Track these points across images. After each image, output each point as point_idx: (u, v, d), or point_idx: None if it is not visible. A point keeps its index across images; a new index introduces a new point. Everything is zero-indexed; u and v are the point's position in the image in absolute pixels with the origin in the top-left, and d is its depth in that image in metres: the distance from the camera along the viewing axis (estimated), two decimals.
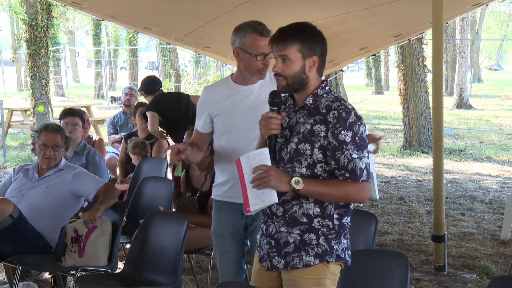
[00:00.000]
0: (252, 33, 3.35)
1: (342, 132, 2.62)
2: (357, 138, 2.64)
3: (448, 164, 10.94)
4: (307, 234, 2.71)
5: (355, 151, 2.63)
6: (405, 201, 8.38)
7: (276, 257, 2.78)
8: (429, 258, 5.86)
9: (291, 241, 2.73)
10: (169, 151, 3.31)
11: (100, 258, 4.29)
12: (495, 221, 7.32)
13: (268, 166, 2.63)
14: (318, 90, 2.75)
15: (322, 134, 2.66)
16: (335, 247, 2.73)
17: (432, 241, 5.59)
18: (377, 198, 8.50)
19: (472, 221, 7.38)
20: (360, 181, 2.64)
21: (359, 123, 2.66)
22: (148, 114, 6.45)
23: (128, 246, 5.17)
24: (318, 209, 2.71)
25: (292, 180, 2.62)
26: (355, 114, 2.67)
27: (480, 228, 7.07)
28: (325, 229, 2.71)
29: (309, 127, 2.68)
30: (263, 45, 3.31)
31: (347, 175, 2.64)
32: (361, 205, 7.99)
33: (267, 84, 3.45)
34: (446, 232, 5.50)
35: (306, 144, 2.68)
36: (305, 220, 2.71)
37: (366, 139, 2.68)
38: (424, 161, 11.43)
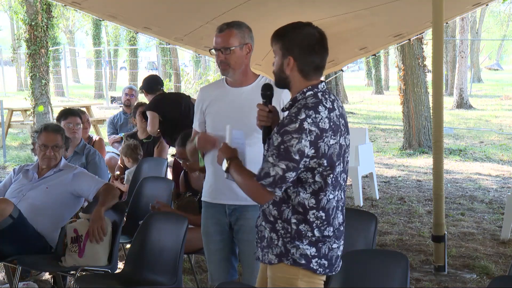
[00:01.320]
0: (215, 32, 3.50)
1: (275, 135, 2.65)
2: (282, 147, 2.61)
3: (448, 164, 10.94)
4: (272, 233, 2.78)
5: (273, 156, 2.63)
6: (405, 201, 8.38)
7: (259, 249, 2.88)
8: (429, 258, 5.86)
9: (266, 236, 2.81)
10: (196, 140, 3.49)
11: (100, 258, 4.29)
12: (495, 221, 7.32)
13: (223, 146, 2.90)
14: (297, 95, 2.74)
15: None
16: (292, 250, 2.73)
17: (432, 241, 5.59)
18: (377, 198, 8.50)
19: (472, 221, 7.38)
20: (258, 182, 2.66)
21: (296, 135, 2.59)
22: (149, 114, 6.44)
23: (128, 246, 5.16)
24: (276, 212, 2.76)
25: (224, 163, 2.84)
26: (301, 126, 2.59)
27: (480, 228, 7.07)
28: (282, 231, 2.75)
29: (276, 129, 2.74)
30: (215, 40, 3.45)
31: (256, 171, 2.71)
32: (361, 204, 8.00)
33: (259, 88, 3.47)
34: (446, 232, 5.50)
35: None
36: (271, 219, 2.78)
37: (295, 154, 2.59)
38: (424, 161, 11.43)
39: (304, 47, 2.71)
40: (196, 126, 3.64)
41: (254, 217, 3.30)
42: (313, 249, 2.73)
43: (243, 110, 3.42)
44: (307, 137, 2.60)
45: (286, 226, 2.73)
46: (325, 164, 2.66)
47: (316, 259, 2.73)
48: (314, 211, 2.71)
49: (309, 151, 2.62)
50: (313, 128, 2.61)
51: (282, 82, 2.79)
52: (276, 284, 2.77)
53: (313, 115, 2.62)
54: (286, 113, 2.78)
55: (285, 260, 2.73)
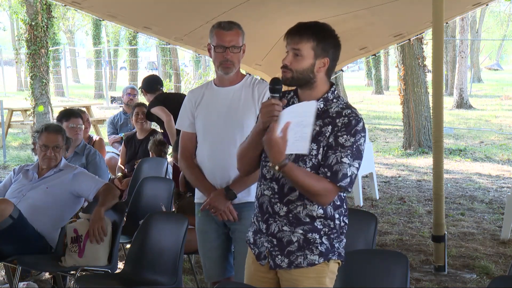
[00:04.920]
0: (216, 29, 3.50)
1: (345, 136, 2.64)
2: (354, 147, 2.64)
3: (448, 164, 10.93)
4: (310, 234, 2.73)
5: (348, 156, 2.63)
6: (405, 201, 8.38)
7: (279, 256, 2.78)
8: (429, 258, 5.86)
9: (294, 240, 2.74)
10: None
11: (100, 258, 4.29)
12: (495, 221, 7.32)
13: (270, 142, 2.57)
14: (328, 95, 2.76)
15: (327, 134, 2.68)
16: (337, 245, 2.77)
17: (432, 241, 5.59)
18: (377, 198, 8.50)
19: (472, 221, 7.38)
20: (337, 184, 2.63)
21: (363, 134, 2.68)
22: (156, 109, 6.38)
23: (128, 246, 5.17)
24: (321, 211, 2.72)
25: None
26: (363, 124, 2.69)
27: (480, 228, 7.07)
28: (327, 229, 2.74)
29: (318, 128, 2.69)
30: (223, 38, 3.45)
31: (328, 174, 2.63)
32: (361, 204, 8.00)
33: (246, 88, 3.56)
34: (446, 232, 5.50)
35: (313, 143, 2.68)
36: (308, 220, 2.73)
37: (363, 152, 2.69)
38: (424, 161, 11.43)
39: (336, 50, 2.78)
40: (184, 127, 3.66)
41: (248, 215, 3.36)
42: (344, 239, 2.82)
43: (231, 108, 3.50)
44: (366, 133, 2.72)
45: (330, 222, 2.74)
46: None
47: (343, 249, 2.82)
48: (344, 203, 2.80)
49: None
50: (365, 127, 2.73)
51: (305, 81, 2.73)
52: (303, 285, 2.75)
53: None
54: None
55: (332, 255, 2.74)
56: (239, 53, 3.50)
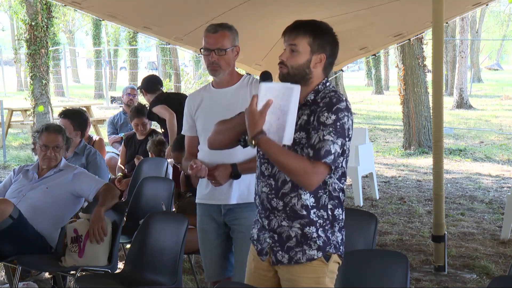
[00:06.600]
0: (205, 32, 3.53)
1: (325, 114, 2.64)
2: (338, 124, 2.63)
3: (448, 164, 10.94)
4: (307, 228, 2.73)
5: (331, 134, 2.62)
6: (405, 201, 8.38)
7: (280, 252, 2.79)
8: (429, 258, 5.86)
9: (292, 235, 2.76)
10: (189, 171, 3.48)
11: (100, 258, 4.29)
12: (495, 221, 7.32)
13: (256, 112, 2.61)
14: (319, 86, 2.79)
15: (312, 119, 2.70)
16: (331, 237, 2.76)
17: (432, 241, 5.60)
18: (377, 198, 8.50)
19: (472, 221, 7.39)
20: (321, 160, 2.60)
21: (347, 113, 2.66)
22: (158, 108, 6.37)
23: (128, 246, 5.17)
24: (313, 199, 2.73)
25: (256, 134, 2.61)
26: (347, 104, 2.68)
27: (480, 228, 7.07)
28: (321, 220, 2.74)
29: (306, 118, 2.72)
30: (208, 41, 3.49)
31: (311, 154, 2.62)
32: (361, 204, 8.00)
33: (244, 88, 3.58)
34: (446, 232, 5.50)
35: (302, 132, 2.70)
36: (304, 212, 2.73)
37: (349, 132, 2.66)
38: (424, 161, 11.43)
39: (333, 47, 2.79)
40: (186, 130, 3.73)
41: (249, 216, 3.40)
42: (340, 235, 2.80)
43: (230, 109, 3.49)
44: (351, 116, 2.70)
45: (323, 213, 2.73)
46: (349, 148, 2.73)
47: (342, 246, 2.81)
48: (342, 194, 2.79)
49: (351, 131, 2.70)
50: (351, 109, 2.71)
51: (301, 77, 2.75)
52: (301, 285, 2.75)
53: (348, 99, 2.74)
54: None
55: (329, 248, 2.74)
56: (226, 55, 3.48)
